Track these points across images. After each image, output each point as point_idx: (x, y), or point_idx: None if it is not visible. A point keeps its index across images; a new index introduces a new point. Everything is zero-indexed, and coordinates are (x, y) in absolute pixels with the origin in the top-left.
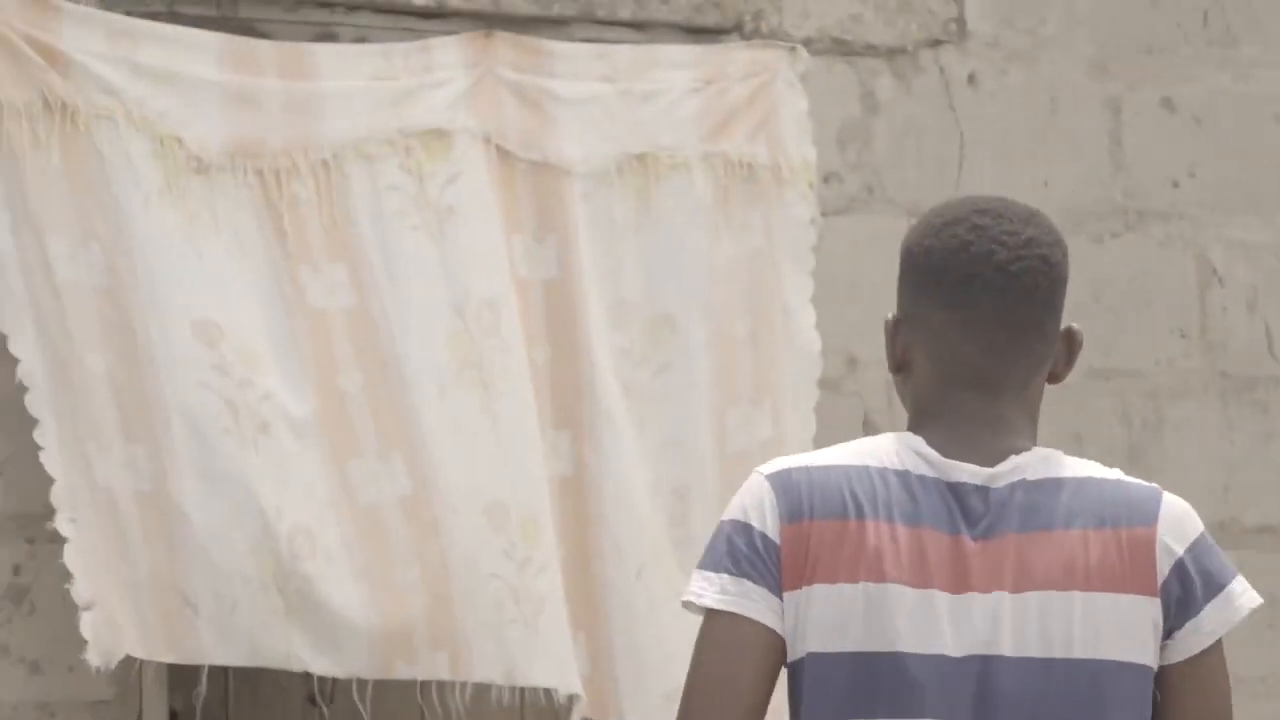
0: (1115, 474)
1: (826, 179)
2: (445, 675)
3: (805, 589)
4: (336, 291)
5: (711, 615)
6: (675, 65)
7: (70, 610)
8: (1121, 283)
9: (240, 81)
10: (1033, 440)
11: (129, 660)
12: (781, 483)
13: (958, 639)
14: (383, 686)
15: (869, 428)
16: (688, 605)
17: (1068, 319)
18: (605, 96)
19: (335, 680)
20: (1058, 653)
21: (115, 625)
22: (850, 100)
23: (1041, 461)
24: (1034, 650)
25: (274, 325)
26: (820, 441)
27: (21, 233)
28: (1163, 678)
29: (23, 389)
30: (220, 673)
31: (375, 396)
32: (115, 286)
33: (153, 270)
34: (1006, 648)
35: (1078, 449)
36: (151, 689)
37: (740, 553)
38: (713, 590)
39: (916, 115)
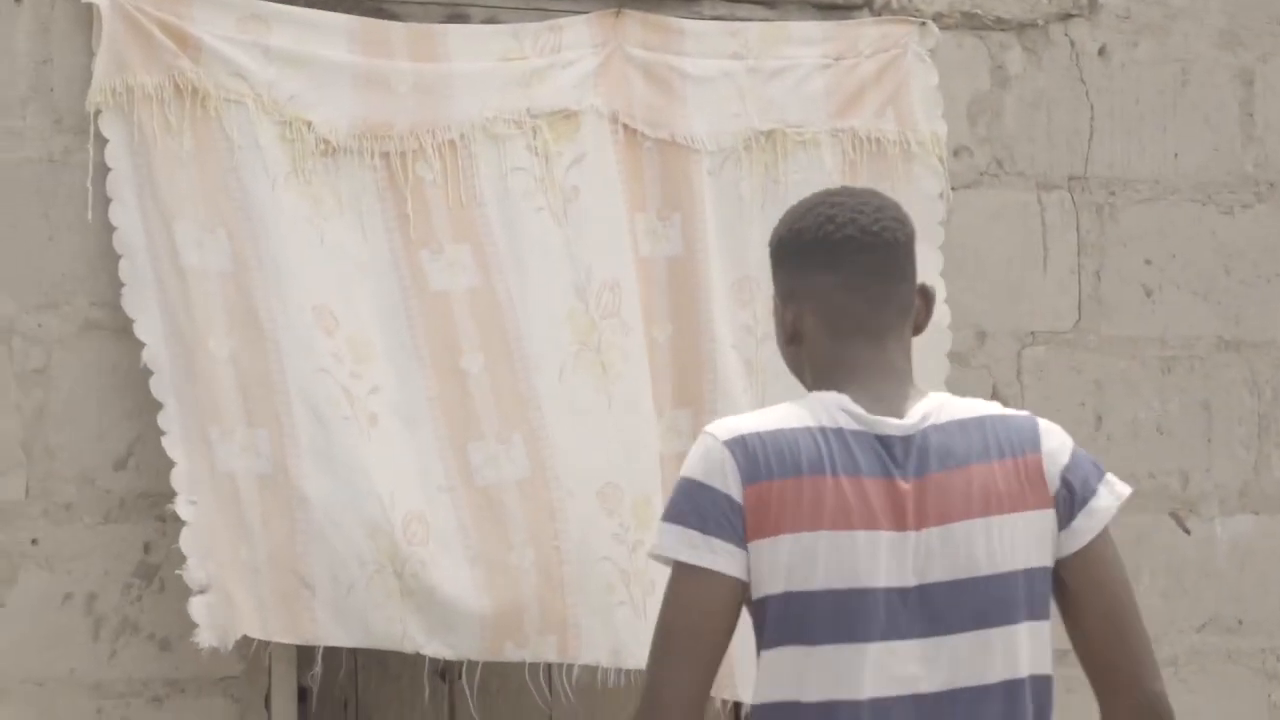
0: (995, 408)
1: (956, 153)
2: (553, 658)
3: (771, 539)
4: (459, 272)
5: (682, 569)
6: (805, 41)
7: None
8: (1253, 253)
9: (370, 64)
10: (913, 382)
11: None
12: (739, 448)
13: (902, 571)
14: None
15: (997, 399)
16: (655, 557)
17: (1199, 289)
18: (734, 73)
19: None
20: (983, 570)
21: (233, 606)
22: (980, 74)
23: (939, 407)
24: (963, 572)
25: (390, 311)
26: None
27: (150, 218)
28: (1068, 568)
29: (149, 372)
30: (349, 650)
31: (497, 377)
32: (240, 271)
33: (277, 256)
34: (941, 573)
35: (1207, 419)
36: (280, 666)
37: (706, 511)
38: (684, 546)
39: (1046, 88)
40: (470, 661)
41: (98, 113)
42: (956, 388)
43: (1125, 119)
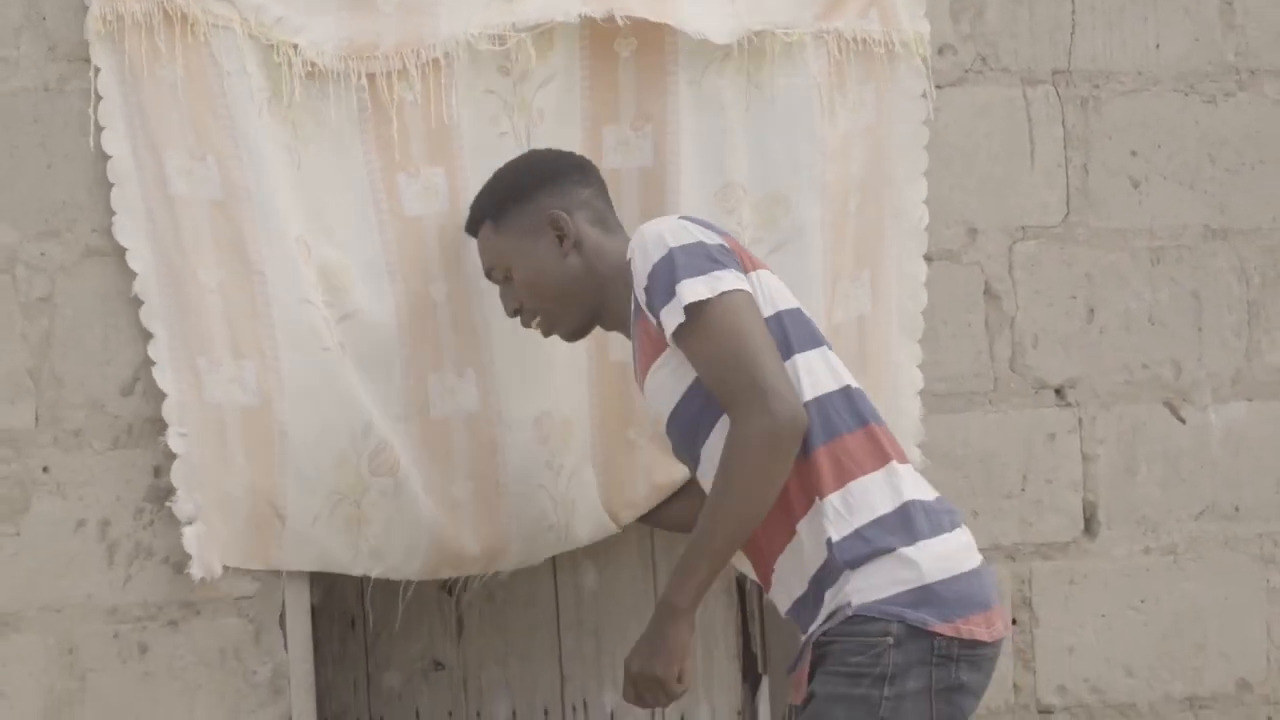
0: None
1: (941, 50)
2: (482, 570)
3: (755, 273)
4: (433, 197)
5: (728, 296)
6: None
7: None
8: (1236, 142)
9: None
10: None
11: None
12: (695, 220)
13: None
14: (518, 573)
15: (989, 296)
16: (699, 304)
17: (1185, 179)
18: None
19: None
20: None
21: (216, 536)
22: None
23: None
24: None
25: (365, 235)
26: (937, 315)
27: (140, 147)
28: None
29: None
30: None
31: (457, 307)
32: (229, 200)
33: (263, 184)
34: None
35: (1196, 307)
36: (294, 585)
37: (715, 257)
38: (724, 281)
39: None
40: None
41: (89, 41)
42: (947, 284)
43: (1106, 11)
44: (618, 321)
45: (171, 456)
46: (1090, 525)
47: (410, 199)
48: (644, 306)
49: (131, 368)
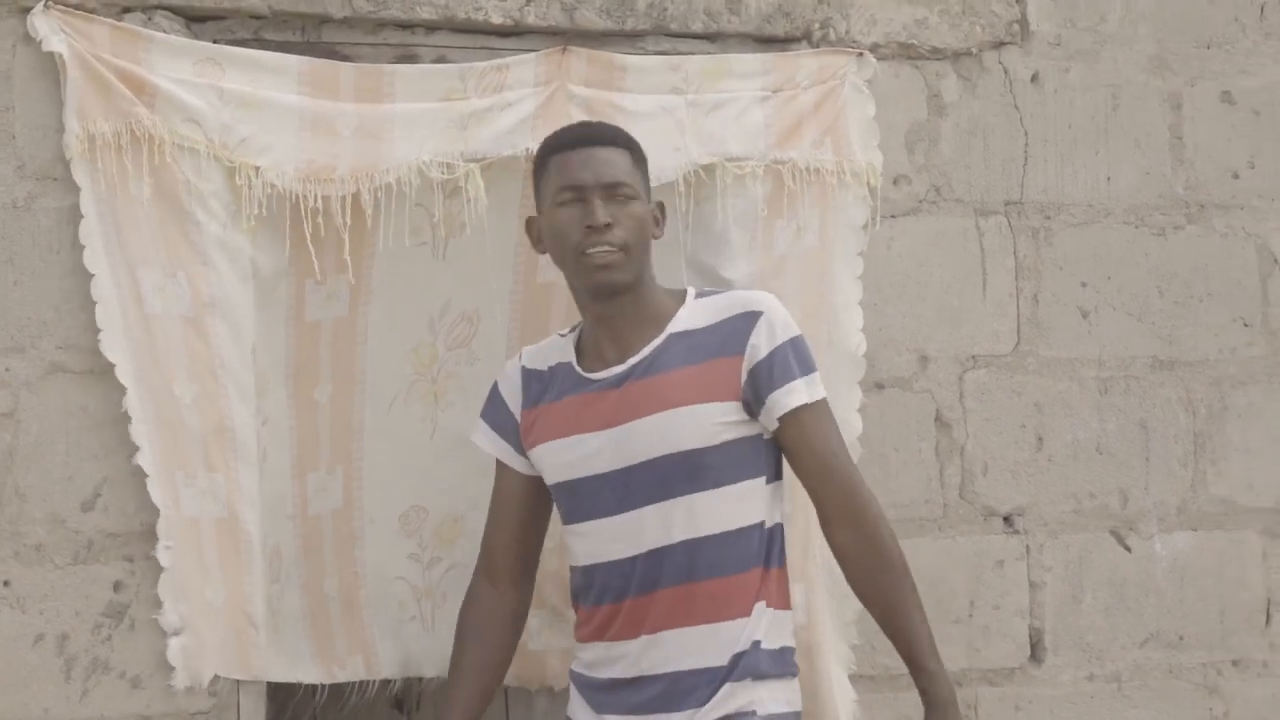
0: None
1: (896, 181)
2: (362, 675)
3: None
4: (334, 303)
5: (826, 404)
6: (745, 74)
7: None
8: (1185, 274)
9: (318, 106)
10: None
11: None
12: None
13: None
14: None
15: (940, 423)
16: (823, 400)
17: (1134, 310)
18: (674, 108)
19: (421, 684)
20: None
21: (204, 646)
22: (917, 103)
23: None
24: None
25: (276, 343)
26: (888, 442)
27: (116, 265)
28: None
29: (120, 413)
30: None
31: (338, 408)
32: (199, 316)
33: (230, 299)
34: None
35: (1144, 437)
36: (249, 701)
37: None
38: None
39: (982, 115)
40: (427, 691)
41: (69, 160)
42: (899, 412)
43: (1059, 144)
44: (626, 317)
45: (132, 573)
46: (1036, 652)
47: (313, 306)
48: (753, 360)
49: (93, 484)
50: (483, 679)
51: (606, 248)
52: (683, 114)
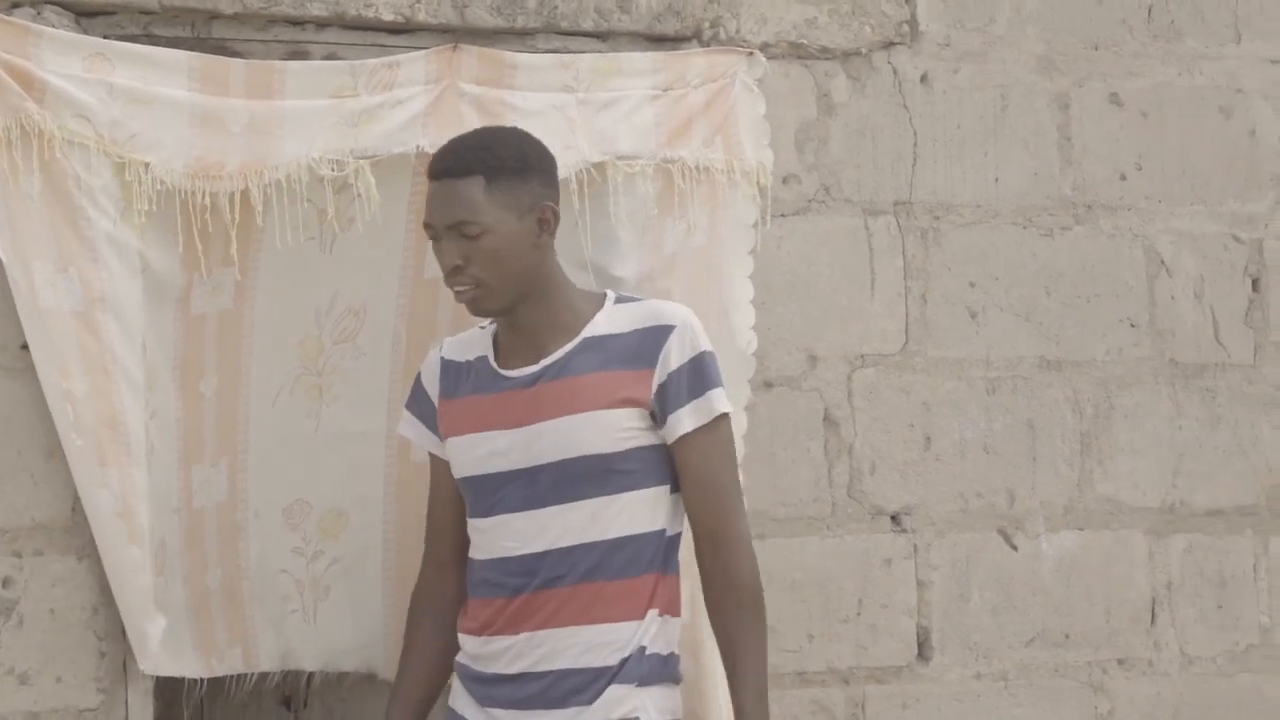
0: None
1: (785, 180)
2: (240, 668)
3: None
4: (219, 295)
5: (726, 419)
6: (635, 72)
7: (56, 621)
8: (1072, 275)
9: (208, 102)
10: None
11: (114, 669)
12: None
13: None
14: (357, 690)
15: (829, 422)
16: (722, 416)
17: (1021, 311)
18: (565, 106)
19: (309, 683)
20: None
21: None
22: (807, 102)
23: None
24: None
25: (161, 335)
26: (777, 440)
27: (12, 259)
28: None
29: (11, 407)
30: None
31: (223, 401)
32: (89, 312)
33: (119, 293)
34: None
35: (1031, 436)
36: (136, 698)
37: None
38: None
39: (871, 115)
40: (315, 690)
41: None
42: (788, 411)
43: (948, 144)
44: (534, 323)
45: (20, 568)
46: (924, 650)
47: (198, 299)
48: (662, 375)
49: None
50: (439, 662)
51: (462, 287)
52: (574, 112)
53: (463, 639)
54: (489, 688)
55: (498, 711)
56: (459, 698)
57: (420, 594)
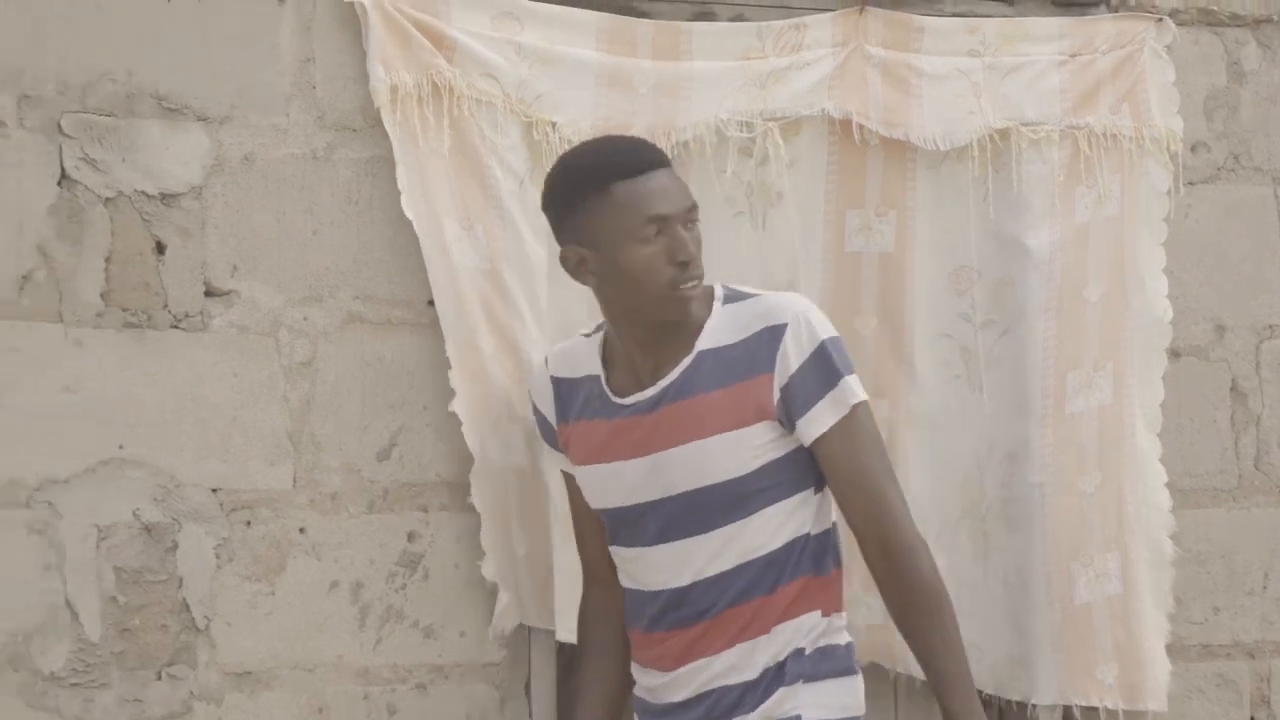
0: None
1: (1194, 148)
2: None
3: None
4: None
5: (866, 405)
6: (1042, 38)
7: (462, 577)
8: None
9: (615, 62)
10: None
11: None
12: None
13: None
14: None
15: (1236, 393)
16: (863, 403)
17: None
18: (971, 71)
19: None
20: None
21: (512, 597)
22: (1217, 70)
23: None
24: None
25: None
26: (1184, 411)
27: (421, 216)
28: None
29: (416, 362)
30: None
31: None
32: (494, 269)
33: (523, 254)
34: None
35: None
36: (540, 654)
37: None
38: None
39: None
40: None
41: (378, 109)
42: (1195, 381)
43: None
44: (665, 327)
45: (426, 523)
46: None
47: None
48: (783, 378)
49: (388, 434)
50: (618, 673)
51: (694, 281)
52: (979, 77)
53: (637, 670)
54: (663, 718)
55: None
56: None
57: (586, 609)
